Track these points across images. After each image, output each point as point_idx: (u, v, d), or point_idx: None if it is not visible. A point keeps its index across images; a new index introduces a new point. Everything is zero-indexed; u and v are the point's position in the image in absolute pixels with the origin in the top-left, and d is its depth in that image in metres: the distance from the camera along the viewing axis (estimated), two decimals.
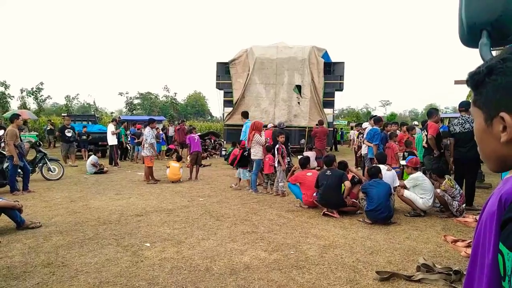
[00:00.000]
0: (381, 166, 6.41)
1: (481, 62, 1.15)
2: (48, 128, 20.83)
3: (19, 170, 8.13)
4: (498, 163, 0.88)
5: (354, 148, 12.36)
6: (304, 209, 6.56)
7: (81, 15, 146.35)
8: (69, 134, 13.18)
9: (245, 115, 9.77)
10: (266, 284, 3.43)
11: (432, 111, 7.53)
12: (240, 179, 8.80)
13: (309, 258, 4.11)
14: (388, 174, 6.42)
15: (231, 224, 5.49)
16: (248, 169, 8.70)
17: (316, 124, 13.24)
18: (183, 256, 4.14)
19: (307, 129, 16.73)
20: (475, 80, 0.83)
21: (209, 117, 69.27)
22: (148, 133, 9.64)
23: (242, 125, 15.92)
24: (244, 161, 8.76)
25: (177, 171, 9.56)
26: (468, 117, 6.46)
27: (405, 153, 8.12)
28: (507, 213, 0.82)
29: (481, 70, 0.81)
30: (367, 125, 10.54)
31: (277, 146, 8.17)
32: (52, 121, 23.17)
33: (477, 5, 1.04)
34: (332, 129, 18.09)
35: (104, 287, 3.36)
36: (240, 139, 9.02)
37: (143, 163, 10.32)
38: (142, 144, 9.81)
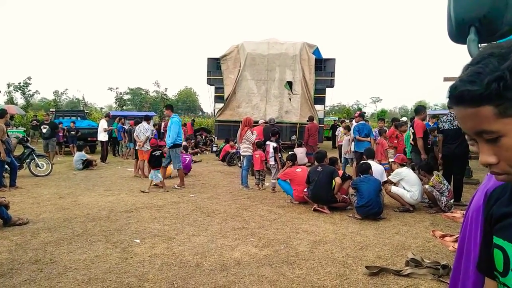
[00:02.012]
0: (370, 162, 6.49)
1: (469, 58, 1.16)
2: (34, 124, 20.42)
3: (6, 166, 8.00)
4: None
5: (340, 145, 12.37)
6: (294, 204, 6.58)
7: (71, 8, 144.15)
8: (44, 130, 12.37)
9: (170, 108, 8.68)
10: (257, 279, 3.44)
11: (420, 108, 7.72)
12: (151, 181, 7.99)
13: (300, 253, 4.13)
14: (376, 168, 6.50)
15: (221, 220, 5.49)
16: (159, 169, 8.08)
17: (307, 120, 13.27)
18: (173, 252, 4.12)
19: (298, 125, 16.76)
20: (497, 88, 0.67)
21: (200, 113, 68.93)
22: (148, 128, 9.72)
23: (234, 121, 16.04)
24: (155, 161, 8.00)
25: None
26: None
27: (405, 150, 8.34)
28: (501, 208, 0.82)
29: (500, 74, 0.67)
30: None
31: (275, 144, 8.19)
32: (37, 116, 22.77)
33: (465, 2, 1.05)
34: (322, 125, 18.11)
35: (93, 283, 3.33)
36: (168, 135, 7.97)
37: (135, 159, 10.21)
38: (140, 139, 9.57)
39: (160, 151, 8.29)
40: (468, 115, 0.72)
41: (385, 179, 6.49)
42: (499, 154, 0.73)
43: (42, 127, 12.65)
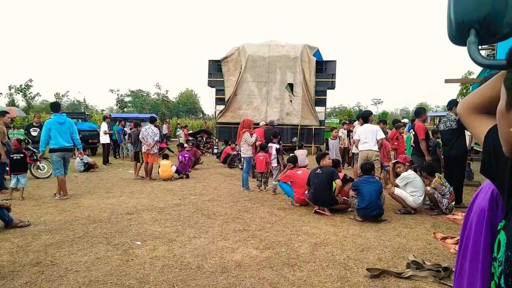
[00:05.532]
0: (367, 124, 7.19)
1: (469, 60, 1.16)
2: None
3: (7, 168, 8.01)
4: None
5: (344, 147, 12.27)
6: (295, 207, 6.58)
7: (72, 10, 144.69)
8: (34, 134, 11.30)
9: (51, 107, 7.53)
10: (258, 281, 3.44)
11: (420, 110, 7.72)
12: (13, 189, 7.07)
13: (301, 255, 4.12)
14: (371, 128, 7.18)
15: (222, 222, 5.48)
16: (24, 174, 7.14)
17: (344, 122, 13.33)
18: (174, 255, 4.12)
19: (299, 127, 16.77)
20: None
21: (201, 115, 68.92)
22: (157, 132, 9.74)
23: (235, 123, 16.06)
24: (19, 165, 7.02)
25: (168, 168, 9.53)
26: (451, 116, 6.57)
27: (406, 151, 8.40)
28: None
29: None
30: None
31: (277, 146, 8.20)
32: (40, 117, 22.82)
33: (465, 3, 1.05)
34: (324, 127, 18.11)
35: (94, 286, 3.33)
36: (43, 135, 7.04)
37: (135, 161, 10.20)
38: (148, 142, 9.45)
39: (22, 155, 7.21)
40: None
41: (380, 136, 7.02)
42: None
43: (31, 130, 11.57)
